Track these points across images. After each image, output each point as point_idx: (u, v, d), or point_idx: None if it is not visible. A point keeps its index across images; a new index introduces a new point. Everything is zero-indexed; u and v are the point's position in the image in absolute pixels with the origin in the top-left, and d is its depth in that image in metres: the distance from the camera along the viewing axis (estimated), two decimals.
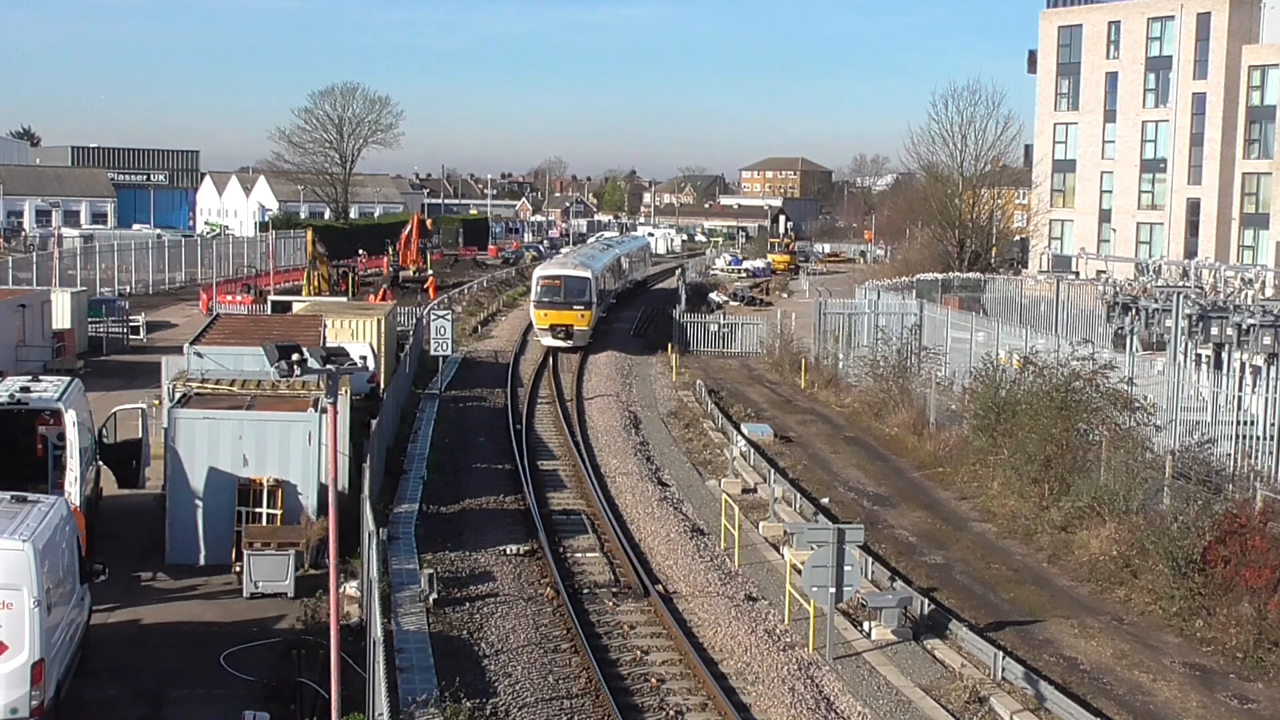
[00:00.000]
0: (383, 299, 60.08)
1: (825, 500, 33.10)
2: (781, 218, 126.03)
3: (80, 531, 20.91)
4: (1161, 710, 20.99)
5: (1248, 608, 23.19)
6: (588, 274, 58.51)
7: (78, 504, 23.08)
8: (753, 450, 37.87)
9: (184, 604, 23.62)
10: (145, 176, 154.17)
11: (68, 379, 26.91)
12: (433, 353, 46.26)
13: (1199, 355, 43.71)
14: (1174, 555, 24.53)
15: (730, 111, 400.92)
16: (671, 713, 20.15)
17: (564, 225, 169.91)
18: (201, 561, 25.44)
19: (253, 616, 22.97)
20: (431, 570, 24.98)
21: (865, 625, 23.80)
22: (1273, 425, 30.70)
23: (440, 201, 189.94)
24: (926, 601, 24.80)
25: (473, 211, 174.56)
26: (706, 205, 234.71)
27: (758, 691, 20.97)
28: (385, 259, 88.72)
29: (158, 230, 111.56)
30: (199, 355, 31.90)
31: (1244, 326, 42.51)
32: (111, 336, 54.07)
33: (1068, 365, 32.80)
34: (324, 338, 37.26)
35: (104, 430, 27.59)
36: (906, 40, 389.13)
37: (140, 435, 27.82)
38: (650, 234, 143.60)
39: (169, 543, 25.61)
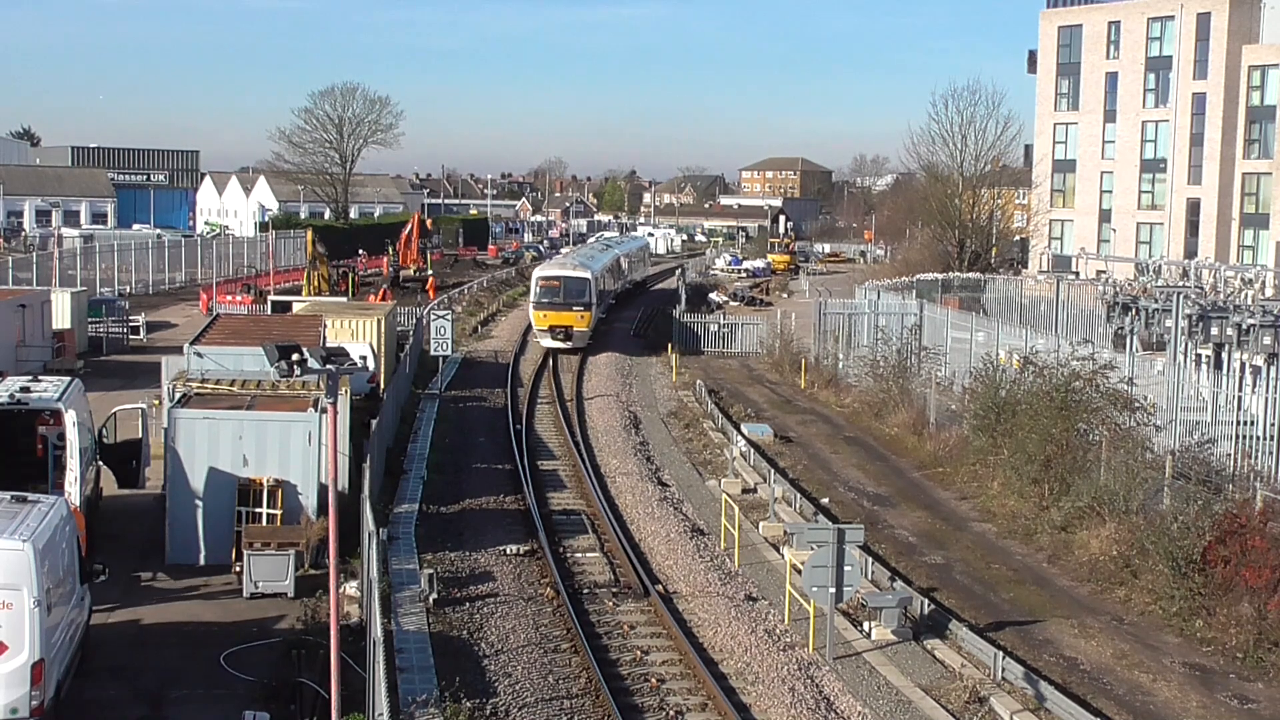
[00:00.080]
0: (383, 299, 60.08)
1: (825, 500, 33.10)
2: (781, 218, 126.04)
3: (80, 531, 20.91)
4: (1161, 710, 20.99)
5: (1248, 608, 23.19)
6: (587, 275, 58.15)
7: (78, 504, 23.08)
8: (753, 450, 37.87)
9: (184, 604, 23.62)
10: (145, 176, 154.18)
11: (68, 379, 26.91)
12: (433, 353, 46.26)
13: (1199, 355, 43.70)
14: (1174, 555, 24.53)
15: (730, 111, 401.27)
16: (671, 713, 20.15)
17: (564, 225, 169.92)
18: (201, 561, 25.44)
19: (253, 616, 22.97)
20: (431, 570, 24.98)
21: (865, 625, 23.80)
22: (1273, 425, 30.69)
23: (440, 201, 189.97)
24: (926, 601, 24.80)
25: (473, 211, 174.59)
26: (706, 205, 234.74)
27: (758, 691, 20.97)
28: (385, 259, 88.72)
29: (158, 230, 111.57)
30: (199, 355, 31.90)
31: (1244, 326, 42.51)
32: (111, 336, 54.07)
33: (1068, 365, 32.79)
34: (324, 338, 37.26)
35: (104, 430, 27.59)
36: (906, 40, 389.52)
37: (140, 435, 27.82)
38: (650, 234, 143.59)
39: (169, 543, 25.61)
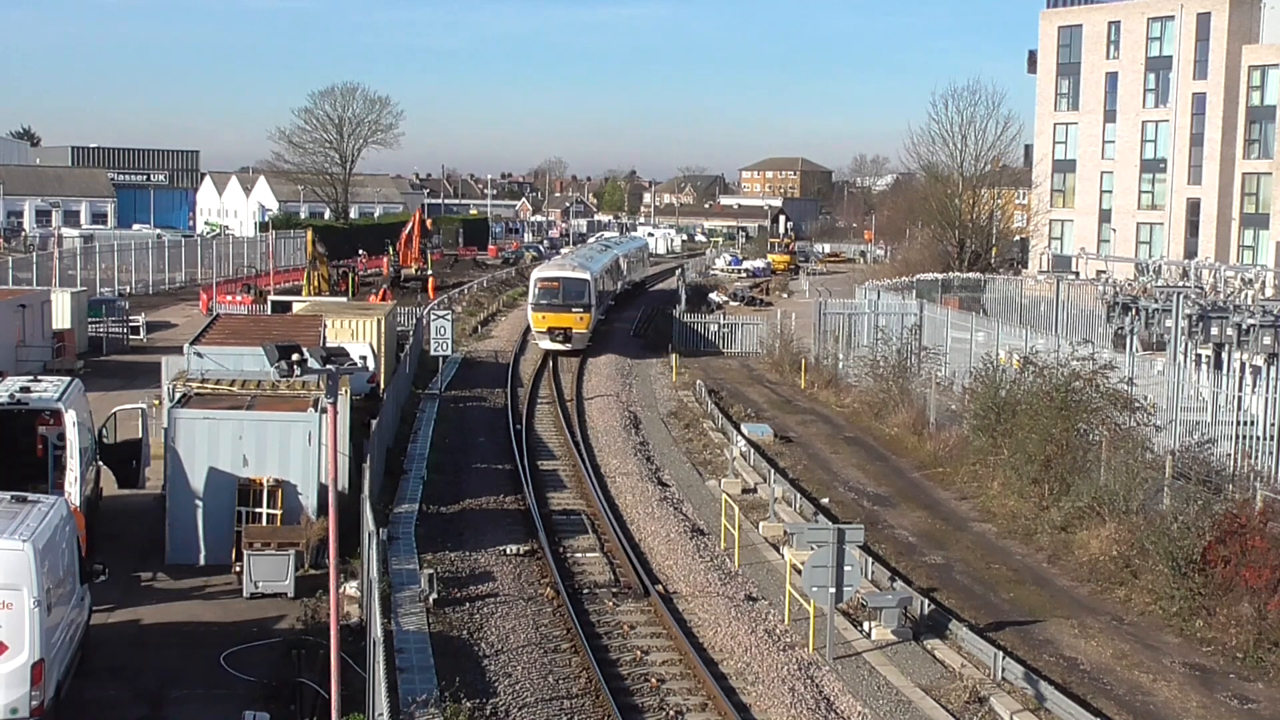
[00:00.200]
0: (383, 299, 60.08)
1: (825, 500, 33.10)
2: (781, 218, 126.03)
3: (80, 531, 20.91)
4: (1161, 710, 20.99)
5: (1248, 608, 23.19)
6: (586, 276, 57.68)
7: (78, 504, 23.08)
8: (753, 450, 37.87)
9: (184, 604, 23.62)
10: (145, 176, 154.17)
11: (68, 379, 26.91)
12: (433, 353, 46.26)
13: (1199, 355, 43.70)
14: (1174, 555, 24.53)
15: (730, 111, 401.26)
16: (671, 713, 20.15)
17: (564, 225, 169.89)
18: (201, 561, 25.44)
19: (253, 616, 22.97)
20: (431, 570, 24.98)
21: (865, 625, 23.80)
22: (1273, 425, 30.69)
23: (440, 201, 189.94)
24: (926, 601, 24.79)
25: (473, 211, 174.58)
26: (706, 205, 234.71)
27: (758, 691, 20.97)
28: (385, 259, 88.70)
29: (158, 230, 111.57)
30: (199, 355, 31.90)
31: (1244, 326, 42.51)
32: (111, 336, 54.07)
33: (1068, 365, 32.79)
34: (324, 338, 37.26)
35: (104, 430, 27.59)
36: (906, 40, 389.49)
37: (140, 435, 27.82)
38: (650, 234, 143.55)
39: (169, 543, 25.61)
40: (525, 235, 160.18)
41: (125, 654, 21.05)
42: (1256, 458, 30.48)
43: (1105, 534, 27.56)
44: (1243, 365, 41.47)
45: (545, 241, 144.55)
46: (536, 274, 59.39)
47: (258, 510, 25.38)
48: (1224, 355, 42.87)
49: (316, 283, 61.92)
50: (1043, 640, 23.82)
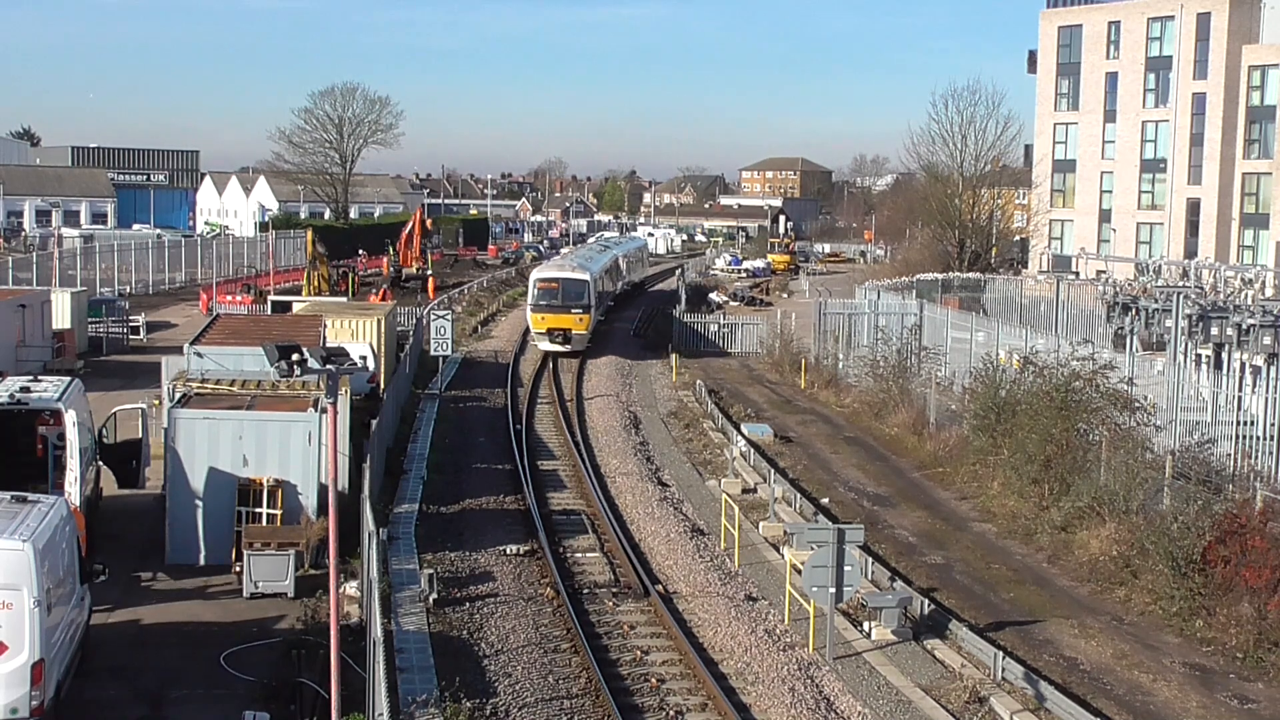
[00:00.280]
0: (383, 299, 60.07)
1: (825, 500, 33.10)
2: (781, 218, 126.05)
3: (80, 531, 20.91)
4: (1161, 710, 20.99)
5: (1248, 608, 23.20)
6: (586, 276, 57.17)
7: (78, 504, 23.08)
8: (753, 450, 37.87)
9: (184, 604, 23.61)
10: (145, 176, 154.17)
11: (68, 379, 26.91)
12: (433, 353, 46.25)
13: (1199, 355, 43.70)
14: (1174, 555, 24.53)
15: (730, 111, 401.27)
16: (671, 713, 20.15)
17: (564, 225, 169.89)
18: (201, 561, 25.44)
19: (253, 616, 22.97)
20: (431, 570, 24.98)
21: (865, 625, 23.80)
22: (1273, 425, 30.69)
23: (440, 201, 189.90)
24: (926, 601, 24.80)
25: (473, 211, 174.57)
26: (706, 205, 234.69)
27: (758, 691, 20.97)
28: (385, 259, 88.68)
29: (158, 230, 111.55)
30: (199, 355, 31.90)
31: (1244, 326, 42.51)
32: (111, 336, 54.06)
33: (1068, 365, 32.80)
34: (324, 338, 37.26)
35: (104, 430, 27.59)
36: (906, 40, 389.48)
37: (140, 435, 27.82)
38: (650, 234, 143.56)
39: (169, 543, 25.61)
40: (525, 235, 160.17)
41: (125, 654, 21.05)
42: (1256, 458, 30.48)
43: (1105, 534, 27.56)
44: (1243, 365, 41.47)
45: (545, 241, 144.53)
46: (535, 275, 58.88)
47: (258, 510, 25.38)
48: (1224, 355, 42.87)
49: (316, 283, 61.92)
50: (1043, 640, 23.82)
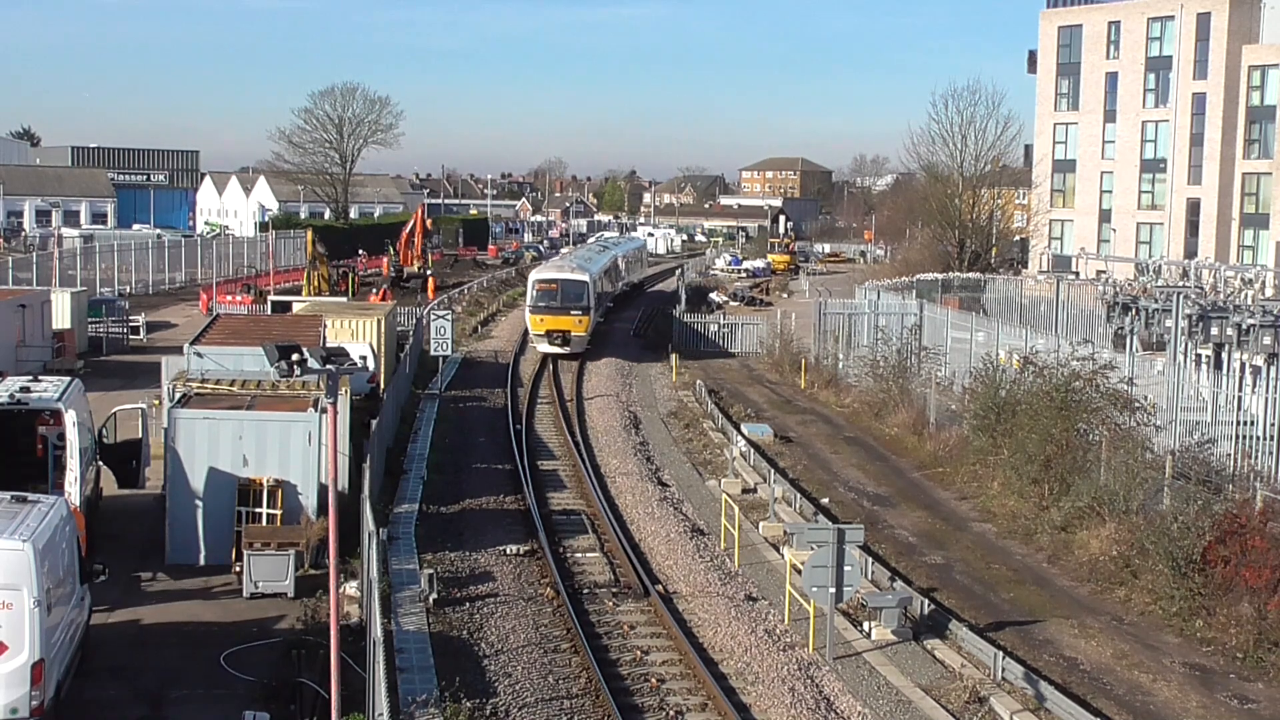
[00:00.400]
0: (383, 299, 60.06)
1: (825, 500, 33.10)
2: (781, 218, 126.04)
3: (80, 531, 20.91)
4: (1161, 710, 21.00)
5: (1248, 608, 23.20)
6: (585, 277, 56.58)
7: (78, 504, 23.08)
8: (753, 450, 37.88)
9: (184, 604, 23.62)
10: (145, 176, 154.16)
11: (68, 379, 26.91)
12: (433, 353, 46.25)
13: (1199, 355, 43.70)
14: (1174, 555, 24.54)
15: (730, 111, 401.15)
16: (671, 713, 20.15)
17: (564, 225, 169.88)
18: (201, 561, 25.44)
19: (253, 616, 22.98)
20: (431, 570, 24.98)
21: (865, 625, 23.80)
22: (1273, 425, 30.69)
23: (440, 201, 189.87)
24: (926, 601, 24.80)
25: (473, 211, 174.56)
26: (706, 205, 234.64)
27: (758, 691, 20.97)
28: (385, 259, 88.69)
29: (158, 230, 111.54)
30: (199, 355, 31.91)
31: (1244, 326, 42.51)
32: (111, 336, 54.06)
33: (1068, 365, 32.80)
34: (324, 338, 37.27)
35: (104, 430, 27.59)
36: (906, 40, 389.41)
37: (140, 435, 27.82)
38: (650, 234, 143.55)
39: (169, 543, 25.61)
40: (525, 235, 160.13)
41: (125, 654, 21.05)
42: (1256, 458, 30.48)
43: (1105, 534, 27.56)
44: (1243, 365, 41.47)
45: (545, 241, 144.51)
46: (534, 276, 58.27)
47: (258, 510, 25.38)
48: (1224, 355, 42.87)
49: (316, 283, 61.91)
50: (1043, 640, 23.82)
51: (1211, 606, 23.82)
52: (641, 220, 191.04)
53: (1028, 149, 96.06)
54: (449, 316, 47.43)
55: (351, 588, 23.88)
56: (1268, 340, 41.43)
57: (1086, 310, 58.14)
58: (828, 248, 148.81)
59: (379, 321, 41.96)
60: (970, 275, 75.86)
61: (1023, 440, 31.91)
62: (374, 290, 69.25)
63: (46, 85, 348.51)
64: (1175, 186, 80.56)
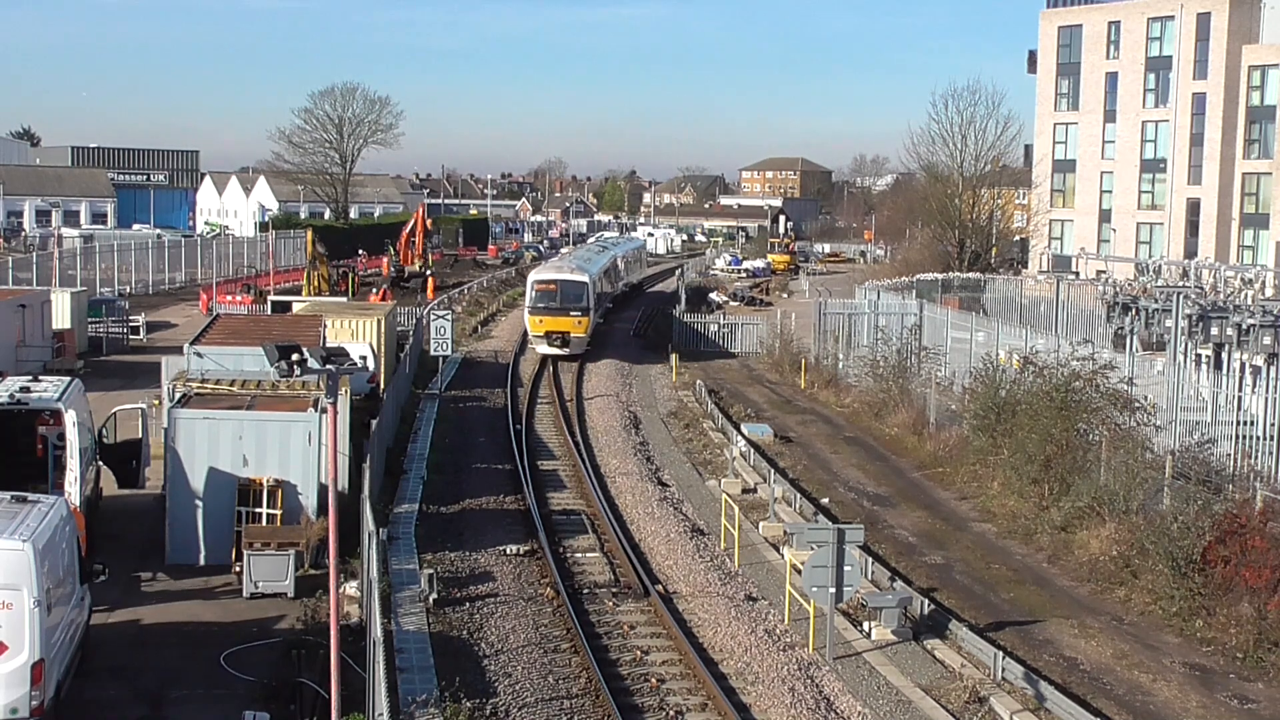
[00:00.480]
0: (383, 299, 60.05)
1: (825, 500, 33.10)
2: (781, 218, 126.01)
3: (80, 531, 20.91)
4: (1161, 710, 21.00)
5: (1248, 608, 23.20)
6: (585, 278, 56.15)
7: (78, 504, 23.08)
8: (753, 450, 37.88)
9: (184, 604, 23.62)
10: (145, 176, 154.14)
11: (68, 379, 26.91)
12: (433, 353, 46.25)
13: (1199, 355, 43.70)
14: (1174, 555, 24.54)
15: (730, 111, 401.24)
16: (671, 713, 20.15)
17: (564, 225, 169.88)
18: (201, 561, 25.44)
19: (253, 616, 22.98)
20: (431, 570, 24.98)
21: (865, 625, 23.80)
22: (1273, 425, 30.69)
23: (440, 201, 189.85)
24: (926, 601, 24.80)
25: (473, 211, 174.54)
26: (706, 205, 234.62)
27: (758, 691, 20.97)
28: (385, 259, 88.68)
29: (158, 230, 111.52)
30: (199, 355, 31.91)
31: (1244, 326, 42.52)
32: (111, 336, 54.06)
33: (1068, 365, 32.80)
34: (324, 338, 37.27)
35: (104, 430, 27.59)
36: (906, 40, 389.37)
37: (140, 435, 27.82)
38: (650, 234, 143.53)
39: (169, 543, 25.61)
40: (525, 235, 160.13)
41: (125, 654, 21.05)
42: (1256, 458, 30.48)
43: (1105, 534, 27.57)
44: (1243, 365, 41.47)
45: (545, 241, 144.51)
46: (533, 276, 57.79)
47: (258, 510, 25.38)
48: (1224, 355, 42.87)
49: (316, 283, 61.90)
50: (1043, 640, 23.82)
51: (1211, 606, 23.82)
52: (641, 220, 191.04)
53: (1028, 149, 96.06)
54: (449, 316, 47.43)
55: (351, 588, 23.88)
56: (1268, 340, 41.44)
57: (1086, 310, 58.14)
58: (828, 248, 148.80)
59: (379, 321, 41.96)
60: (970, 275, 75.85)
61: (1023, 440, 31.92)
62: (374, 290, 69.23)
63: (46, 85, 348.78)
64: (1175, 186, 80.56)
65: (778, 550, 28.47)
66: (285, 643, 21.42)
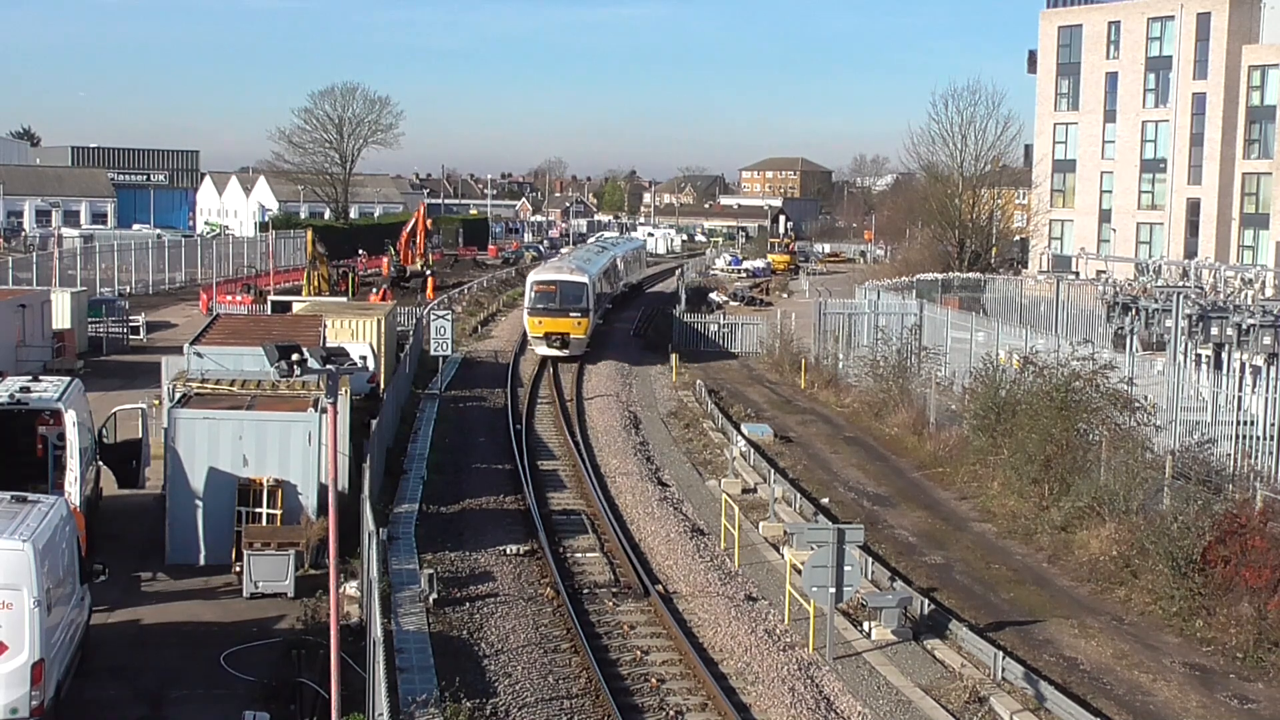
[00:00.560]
0: (383, 299, 60.05)
1: (825, 500, 33.10)
2: (781, 218, 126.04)
3: (80, 531, 20.91)
4: (1161, 710, 21.00)
5: (1248, 608, 23.20)
6: (584, 279, 55.78)
7: (78, 504, 23.08)
8: (753, 450, 37.88)
9: (184, 604, 23.62)
10: (145, 176, 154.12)
11: (68, 379, 26.91)
12: (433, 353, 46.25)
13: (1199, 355, 43.70)
14: (1174, 555, 24.54)
15: (730, 111, 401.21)
16: (671, 713, 20.15)
17: (564, 225, 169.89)
18: (201, 561, 25.44)
19: (253, 616, 22.98)
20: (431, 570, 24.98)
21: (865, 625, 23.80)
22: (1273, 425, 30.69)
23: (440, 201, 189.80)
24: (926, 601, 24.80)
25: (473, 211, 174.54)
26: (706, 205, 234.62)
27: (758, 691, 20.97)
28: (385, 259, 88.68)
29: (158, 230, 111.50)
30: (199, 355, 31.91)
31: (1244, 326, 42.52)
32: (111, 336, 54.06)
33: (1068, 365, 32.80)
34: (324, 338, 37.27)
35: (104, 430, 27.59)
36: (906, 40, 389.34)
37: (140, 435, 27.82)
38: (650, 234, 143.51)
39: (169, 543, 25.61)
40: (525, 235, 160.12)
41: (125, 654, 21.05)
42: (1256, 458, 30.48)
43: (1105, 534, 27.56)
44: (1243, 365, 41.47)
45: (545, 241, 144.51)
46: (532, 277, 57.37)
47: (258, 510, 25.38)
48: (1224, 355, 42.88)
49: (316, 283, 61.89)
50: (1043, 640, 23.82)
51: (1211, 606, 23.82)
52: (641, 220, 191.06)
53: (1028, 149, 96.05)
54: (449, 316, 47.43)
55: (351, 588, 23.88)
56: (1268, 340, 41.44)
57: (1086, 310, 58.14)
58: (828, 248, 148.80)
59: (379, 321, 41.96)
60: (970, 275, 75.86)
61: (1023, 440, 31.92)
62: (374, 290, 69.23)
63: (46, 85, 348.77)
64: (1175, 186, 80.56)
65: (778, 550, 28.47)
66: (285, 643, 21.42)
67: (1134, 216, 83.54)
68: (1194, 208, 79.71)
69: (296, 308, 47.62)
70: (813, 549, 22.98)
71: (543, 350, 54.29)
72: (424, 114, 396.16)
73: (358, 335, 40.68)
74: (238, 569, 24.32)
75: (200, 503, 25.48)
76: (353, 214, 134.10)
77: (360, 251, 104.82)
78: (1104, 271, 67.58)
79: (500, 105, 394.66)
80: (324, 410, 24.23)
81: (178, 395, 27.12)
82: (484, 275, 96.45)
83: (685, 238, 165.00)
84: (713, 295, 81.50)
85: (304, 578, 24.10)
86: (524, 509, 31.40)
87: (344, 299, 57.95)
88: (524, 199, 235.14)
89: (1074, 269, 76.29)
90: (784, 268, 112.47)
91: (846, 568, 22.22)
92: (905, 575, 26.97)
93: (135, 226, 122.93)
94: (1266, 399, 31.41)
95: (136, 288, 75.00)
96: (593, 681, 20.93)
